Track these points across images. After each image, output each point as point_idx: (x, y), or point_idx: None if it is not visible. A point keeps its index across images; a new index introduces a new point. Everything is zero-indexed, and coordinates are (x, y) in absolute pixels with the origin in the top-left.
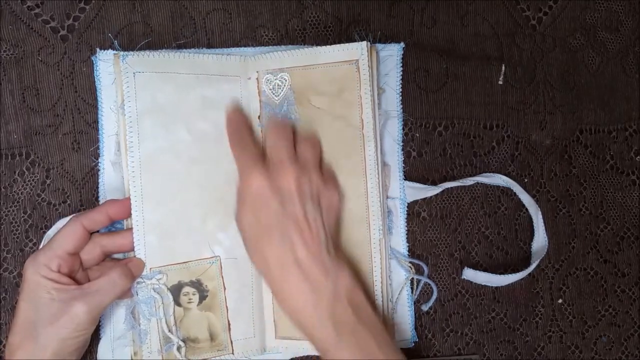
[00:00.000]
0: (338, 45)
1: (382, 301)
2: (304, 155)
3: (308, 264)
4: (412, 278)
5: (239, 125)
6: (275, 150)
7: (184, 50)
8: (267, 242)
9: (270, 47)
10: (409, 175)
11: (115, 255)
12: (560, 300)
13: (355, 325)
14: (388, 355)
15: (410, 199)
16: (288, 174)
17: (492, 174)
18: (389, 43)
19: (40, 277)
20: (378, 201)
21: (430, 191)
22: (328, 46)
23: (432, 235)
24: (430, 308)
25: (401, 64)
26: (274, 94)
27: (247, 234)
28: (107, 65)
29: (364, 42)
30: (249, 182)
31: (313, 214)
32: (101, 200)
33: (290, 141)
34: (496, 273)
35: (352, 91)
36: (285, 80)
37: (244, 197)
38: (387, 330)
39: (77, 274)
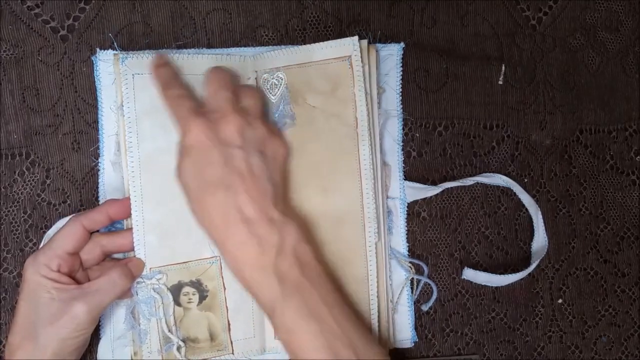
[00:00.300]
0: (331, 41)
1: (379, 304)
2: (246, 103)
3: (254, 219)
4: (412, 278)
5: (169, 75)
6: (216, 98)
7: (184, 50)
8: (211, 197)
9: (269, 47)
10: (409, 175)
11: (115, 255)
12: (560, 300)
13: (301, 282)
14: (336, 314)
15: (410, 199)
16: (230, 122)
17: (492, 174)
18: (389, 43)
19: (40, 276)
20: (373, 203)
21: (430, 191)
22: (321, 43)
23: (432, 235)
24: (430, 308)
25: (401, 64)
26: (270, 93)
27: (188, 188)
28: (107, 65)
29: (356, 37)
30: (189, 134)
31: (259, 165)
32: (101, 200)
33: (230, 90)
34: (496, 273)
35: (346, 88)
36: (282, 79)
37: (184, 149)
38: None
39: (77, 274)
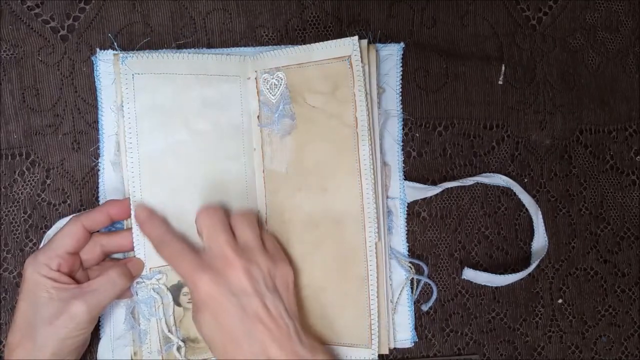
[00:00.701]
0: (330, 41)
1: (379, 304)
2: (243, 237)
3: None
4: (412, 278)
5: (159, 230)
6: (213, 241)
7: (184, 50)
8: (237, 350)
9: (269, 47)
10: (409, 175)
11: (116, 255)
12: (560, 300)
13: None
14: None
15: (410, 199)
16: (235, 269)
17: (492, 174)
18: (389, 43)
19: (39, 276)
20: (373, 203)
21: (430, 191)
22: (321, 43)
23: (432, 235)
24: (430, 308)
25: (401, 64)
26: (270, 93)
27: (212, 342)
28: (107, 65)
29: (355, 37)
30: (198, 290)
31: (274, 304)
32: (101, 200)
33: (224, 225)
34: (496, 273)
35: (346, 88)
36: (282, 79)
37: (197, 303)
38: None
39: (77, 274)
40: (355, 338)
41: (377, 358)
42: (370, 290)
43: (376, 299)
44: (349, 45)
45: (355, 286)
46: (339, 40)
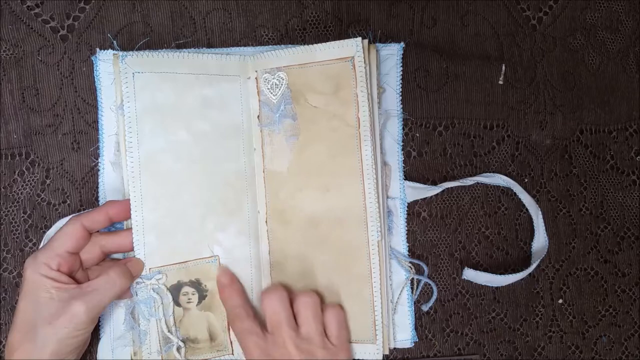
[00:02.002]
0: (333, 42)
1: (381, 303)
2: (306, 328)
3: None
4: (412, 278)
5: (239, 301)
6: (277, 330)
7: (184, 50)
8: None
9: (270, 46)
10: (409, 175)
11: (115, 255)
12: (560, 300)
13: None
14: None
15: (410, 199)
16: None
17: (492, 174)
18: (389, 43)
19: (39, 276)
20: (375, 202)
21: (430, 191)
22: (323, 43)
23: (432, 235)
24: (431, 308)
25: (401, 64)
26: (271, 93)
27: None
28: (107, 65)
29: (359, 38)
30: None
31: None
32: (101, 200)
33: (289, 316)
34: (496, 273)
35: (349, 89)
36: (283, 79)
37: None
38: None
39: (76, 274)
40: (360, 334)
41: (381, 356)
42: (374, 288)
43: (379, 295)
44: (352, 47)
45: (358, 285)
46: (342, 41)
